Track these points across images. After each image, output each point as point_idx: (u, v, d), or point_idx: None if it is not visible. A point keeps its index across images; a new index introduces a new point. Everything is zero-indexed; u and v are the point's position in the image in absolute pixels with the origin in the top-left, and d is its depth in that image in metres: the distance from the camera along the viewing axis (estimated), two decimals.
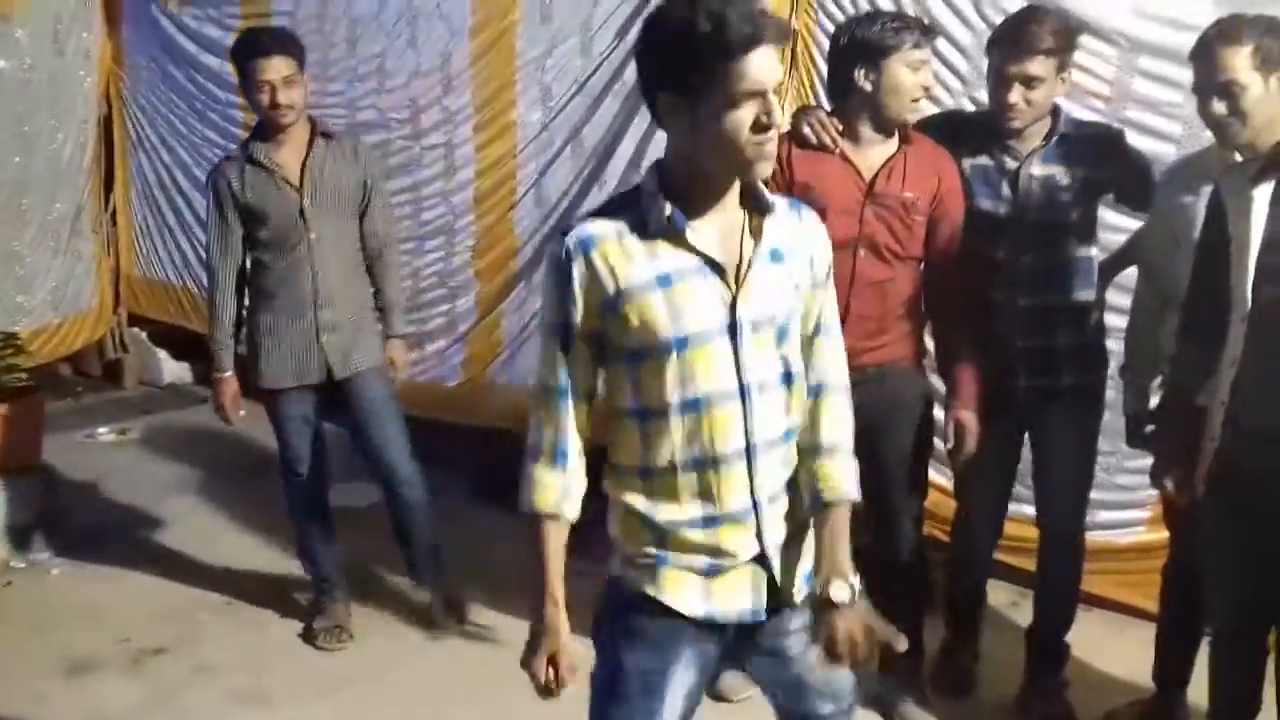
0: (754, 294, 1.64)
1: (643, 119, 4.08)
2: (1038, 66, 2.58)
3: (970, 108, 3.37)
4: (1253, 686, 2.40)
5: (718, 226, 1.65)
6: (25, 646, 3.40)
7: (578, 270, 1.63)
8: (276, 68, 3.07)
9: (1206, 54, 2.38)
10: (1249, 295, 2.11)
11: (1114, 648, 3.20)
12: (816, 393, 1.78)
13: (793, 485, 1.76)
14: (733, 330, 1.64)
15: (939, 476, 3.28)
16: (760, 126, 1.55)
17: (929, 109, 3.21)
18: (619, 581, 1.75)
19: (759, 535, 1.70)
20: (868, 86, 2.58)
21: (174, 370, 6.05)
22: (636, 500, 1.70)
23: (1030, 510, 3.02)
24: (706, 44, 1.51)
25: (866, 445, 2.81)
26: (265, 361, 3.26)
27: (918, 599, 2.96)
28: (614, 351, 1.67)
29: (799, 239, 1.72)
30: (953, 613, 3.15)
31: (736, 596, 1.72)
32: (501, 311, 4.64)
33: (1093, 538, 3.12)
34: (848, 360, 2.37)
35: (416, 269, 4.85)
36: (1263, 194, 2.12)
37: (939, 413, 2.95)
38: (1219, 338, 2.18)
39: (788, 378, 1.71)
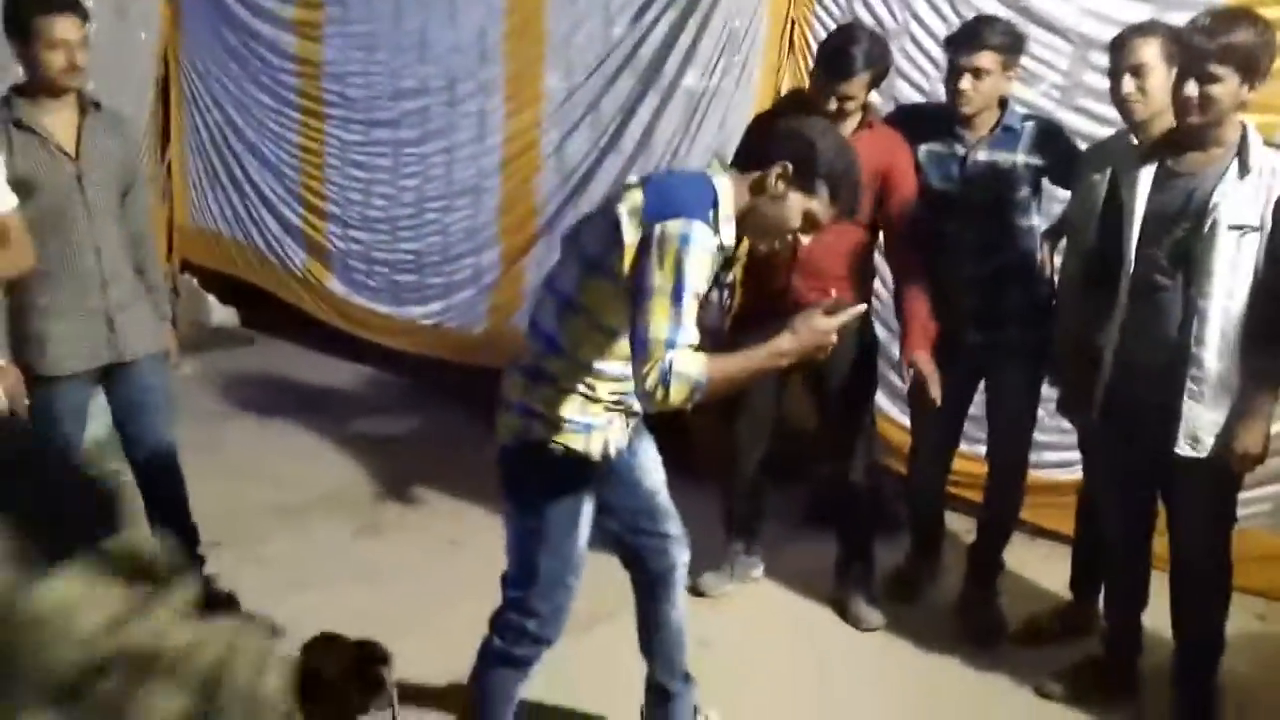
0: None
1: (654, 95, 4.51)
2: (985, 60, 3.01)
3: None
4: (1141, 585, 2.87)
5: None
6: None
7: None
8: (72, 27, 2.84)
9: (1123, 43, 2.83)
10: (1133, 254, 2.57)
11: (1049, 569, 3.65)
12: None
13: None
14: None
15: (903, 416, 3.77)
16: (812, 225, 2.23)
17: (913, 96, 3.69)
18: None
19: None
20: None
21: (221, 314, 6.47)
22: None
23: (983, 449, 3.46)
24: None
25: (814, 379, 3.34)
26: (51, 345, 2.96)
27: (869, 517, 3.46)
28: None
29: None
30: (913, 534, 3.62)
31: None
32: (523, 266, 5.06)
33: (1038, 475, 3.58)
34: (797, 303, 2.98)
35: (446, 225, 5.30)
36: (1146, 173, 2.57)
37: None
38: (1113, 289, 2.63)
39: None
